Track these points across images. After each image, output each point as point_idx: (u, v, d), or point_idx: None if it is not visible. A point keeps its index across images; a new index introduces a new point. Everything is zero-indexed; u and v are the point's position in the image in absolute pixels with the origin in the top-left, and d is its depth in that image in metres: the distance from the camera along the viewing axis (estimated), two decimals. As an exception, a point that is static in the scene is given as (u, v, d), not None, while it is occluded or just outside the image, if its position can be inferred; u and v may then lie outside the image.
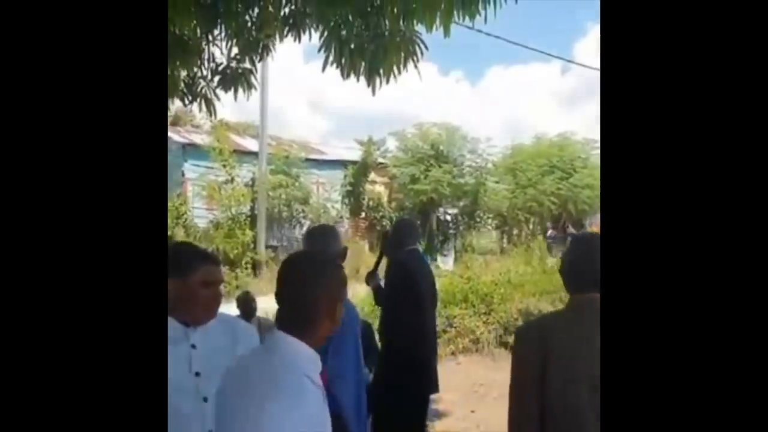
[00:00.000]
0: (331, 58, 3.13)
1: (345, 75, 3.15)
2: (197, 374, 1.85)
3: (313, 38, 3.46)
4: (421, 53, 3.09)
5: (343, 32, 3.12)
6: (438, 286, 8.78)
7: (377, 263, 4.23)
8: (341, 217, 17.26)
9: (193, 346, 1.88)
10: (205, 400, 1.83)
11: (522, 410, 1.87)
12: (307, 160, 17.05)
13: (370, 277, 4.11)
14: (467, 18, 2.85)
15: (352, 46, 3.13)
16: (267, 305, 6.12)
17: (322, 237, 2.63)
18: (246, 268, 13.71)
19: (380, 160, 18.33)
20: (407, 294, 3.59)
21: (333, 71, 3.21)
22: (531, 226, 19.80)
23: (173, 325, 1.86)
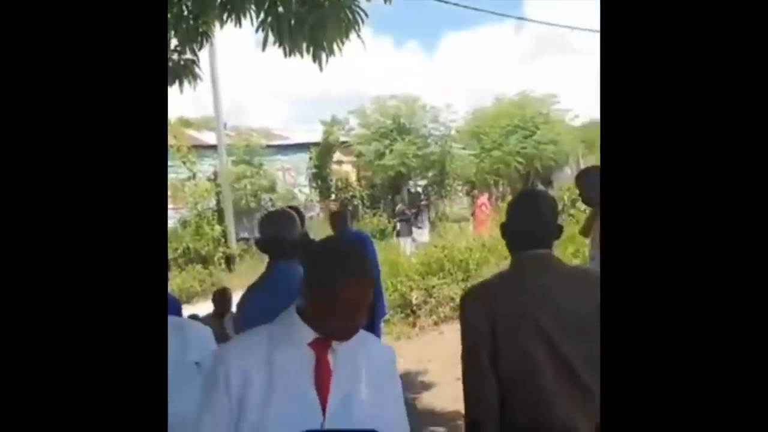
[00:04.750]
0: (271, 37, 3.01)
1: (287, 53, 3.04)
2: None
3: (255, 23, 3.35)
4: (362, 21, 2.98)
5: (280, 8, 3.00)
6: (416, 260, 8.75)
7: None
8: (311, 201, 17.12)
9: None
10: None
11: (480, 379, 1.76)
12: (270, 146, 16.82)
13: None
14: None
15: (292, 22, 3.01)
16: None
17: (278, 223, 2.46)
18: (219, 264, 13.55)
19: (343, 138, 18.15)
20: None
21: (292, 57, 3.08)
22: (501, 188, 19.88)
23: None
